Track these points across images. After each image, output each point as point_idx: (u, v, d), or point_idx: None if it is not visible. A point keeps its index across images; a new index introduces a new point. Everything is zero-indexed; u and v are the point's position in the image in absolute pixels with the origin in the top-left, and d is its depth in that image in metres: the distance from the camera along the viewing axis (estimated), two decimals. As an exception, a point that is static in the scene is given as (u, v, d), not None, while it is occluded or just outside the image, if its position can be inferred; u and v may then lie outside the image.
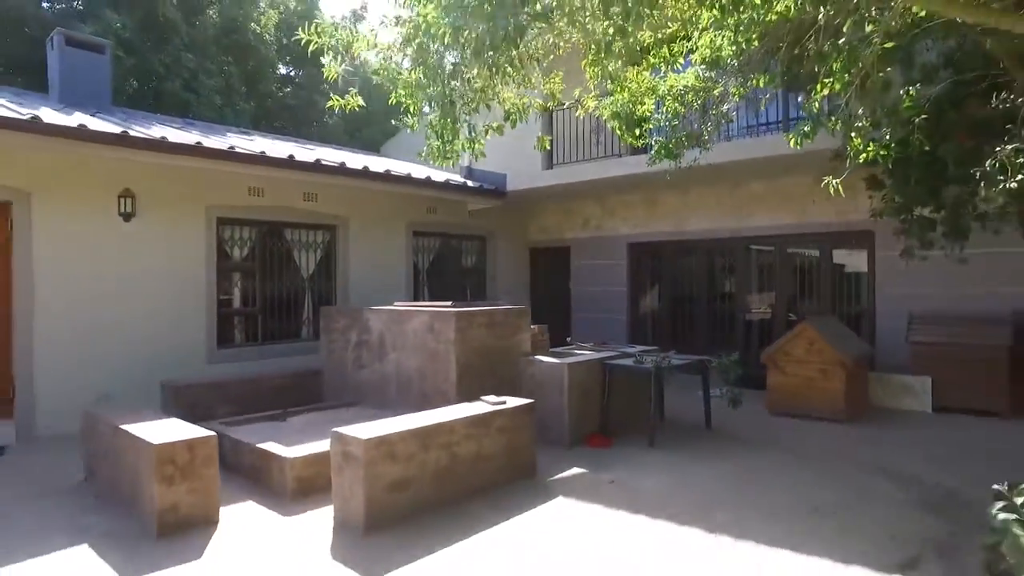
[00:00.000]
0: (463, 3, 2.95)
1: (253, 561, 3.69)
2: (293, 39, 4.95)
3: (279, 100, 16.40)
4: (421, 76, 3.43)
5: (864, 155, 4.28)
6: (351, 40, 3.71)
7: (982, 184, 3.64)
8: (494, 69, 3.38)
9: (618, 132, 4.89)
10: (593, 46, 4.09)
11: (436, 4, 3.12)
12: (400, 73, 3.63)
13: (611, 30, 3.74)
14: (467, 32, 3.11)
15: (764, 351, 7.64)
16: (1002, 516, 2.97)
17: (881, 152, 4.24)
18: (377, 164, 9.50)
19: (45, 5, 11.18)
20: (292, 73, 17.64)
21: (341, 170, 8.41)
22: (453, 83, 3.55)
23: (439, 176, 10.09)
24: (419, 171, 9.90)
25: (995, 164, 3.21)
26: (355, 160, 9.33)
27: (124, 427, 4.39)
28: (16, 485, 5.07)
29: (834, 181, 4.04)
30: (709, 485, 4.94)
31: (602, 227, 11.15)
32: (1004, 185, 3.19)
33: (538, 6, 3.31)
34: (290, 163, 7.87)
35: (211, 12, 14.44)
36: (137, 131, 6.74)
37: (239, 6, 14.36)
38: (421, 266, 10.61)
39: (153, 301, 7.38)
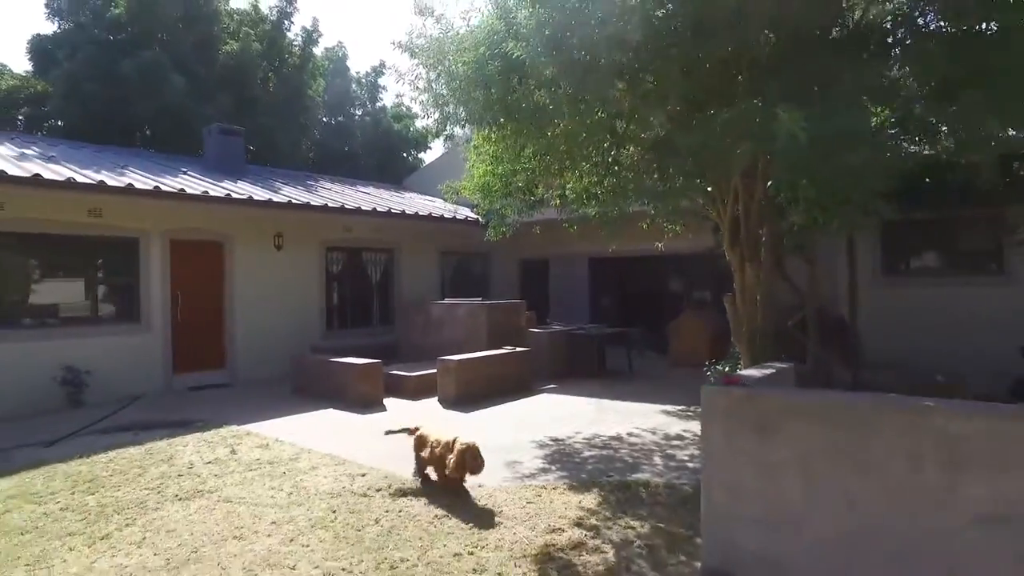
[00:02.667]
0: (505, 186, 7.81)
1: (411, 410, 8.45)
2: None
3: (321, 144, 21.05)
4: (484, 202, 8.32)
5: (668, 235, 9.29)
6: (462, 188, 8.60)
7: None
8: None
9: (566, 227, 9.66)
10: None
11: (493, 174, 7.89)
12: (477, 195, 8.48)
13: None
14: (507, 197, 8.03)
15: (667, 326, 12.50)
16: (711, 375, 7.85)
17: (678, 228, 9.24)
18: (424, 208, 14.20)
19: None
20: (328, 120, 22.23)
21: (403, 216, 13.12)
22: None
23: (461, 214, 14.83)
24: (448, 211, 14.62)
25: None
26: (411, 206, 14.05)
27: (334, 360, 9.11)
28: (254, 397, 9.68)
29: (659, 244, 9.03)
30: (622, 389, 9.78)
31: (571, 247, 15.89)
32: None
33: (541, 192, 8.29)
34: (374, 213, 12.56)
35: (272, 77, 19.02)
36: (298, 199, 11.38)
37: (299, 76, 18.98)
38: (446, 275, 15.34)
39: (291, 300, 12.01)
